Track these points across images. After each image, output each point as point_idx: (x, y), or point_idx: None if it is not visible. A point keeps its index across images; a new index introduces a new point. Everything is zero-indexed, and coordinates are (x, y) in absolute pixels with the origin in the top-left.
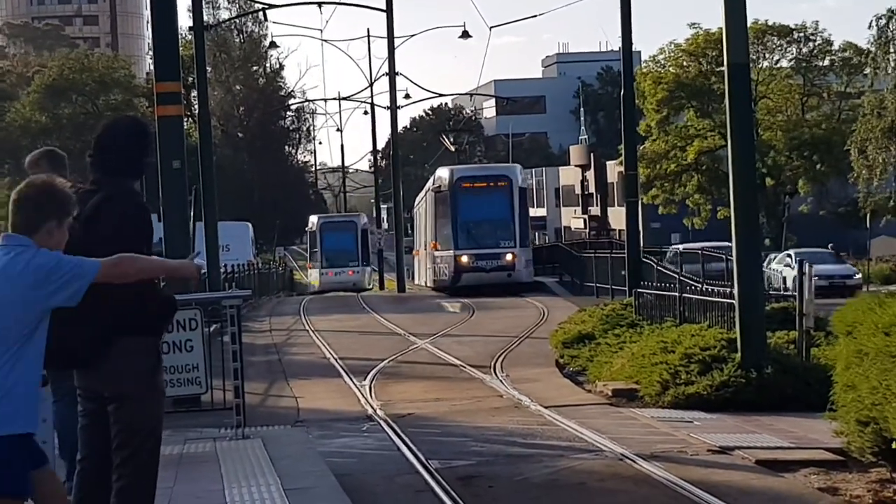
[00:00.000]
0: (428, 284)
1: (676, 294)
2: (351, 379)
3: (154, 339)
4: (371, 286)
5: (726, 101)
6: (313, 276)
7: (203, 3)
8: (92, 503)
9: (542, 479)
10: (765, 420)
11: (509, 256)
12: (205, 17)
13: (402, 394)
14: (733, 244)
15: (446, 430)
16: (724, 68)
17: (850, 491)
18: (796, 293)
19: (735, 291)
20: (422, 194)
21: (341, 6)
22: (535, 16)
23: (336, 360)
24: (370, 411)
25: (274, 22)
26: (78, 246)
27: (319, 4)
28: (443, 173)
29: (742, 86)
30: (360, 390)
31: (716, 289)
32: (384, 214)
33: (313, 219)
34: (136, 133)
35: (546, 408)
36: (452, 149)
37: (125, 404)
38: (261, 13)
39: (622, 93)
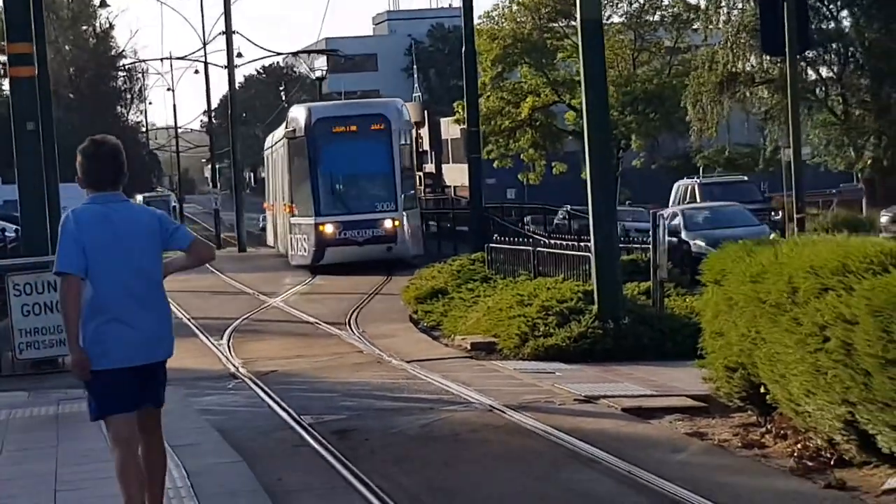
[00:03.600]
0: (283, 255)
1: (530, 248)
2: (207, 338)
3: None
4: None
5: (580, 57)
6: None
7: None
8: None
9: (416, 431)
10: (623, 369)
11: (389, 223)
12: None
13: (261, 351)
14: (589, 198)
15: (312, 386)
16: (577, 24)
17: (717, 435)
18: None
19: (591, 244)
20: (277, 135)
21: None
22: None
23: (189, 319)
24: (233, 369)
25: None
26: None
27: None
28: (298, 113)
29: (595, 42)
30: (218, 349)
31: (569, 242)
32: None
33: (138, 196)
34: None
35: (408, 362)
36: (319, 74)
37: None
38: None
39: (463, 49)
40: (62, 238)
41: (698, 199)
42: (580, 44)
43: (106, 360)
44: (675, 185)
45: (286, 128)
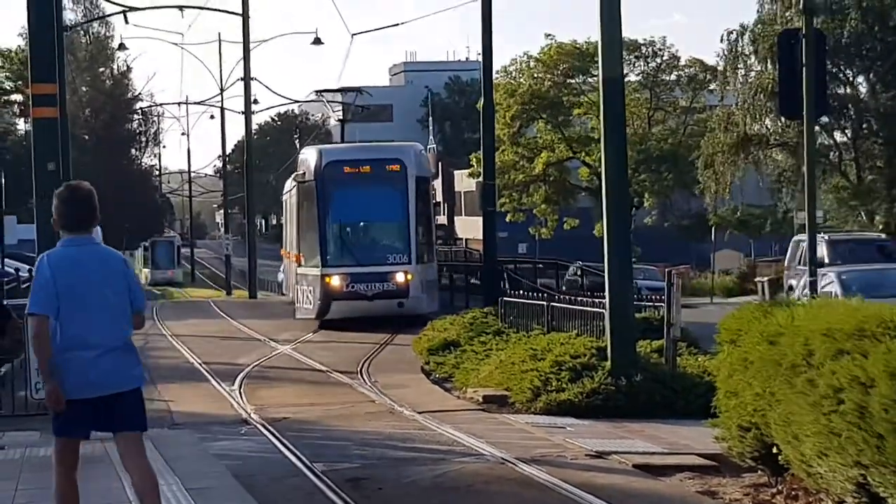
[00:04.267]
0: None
1: (544, 303)
2: (219, 383)
3: None
4: (181, 280)
5: (600, 114)
6: (145, 273)
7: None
8: None
9: (429, 481)
10: (635, 426)
11: (401, 277)
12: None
13: (273, 398)
14: (605, 255)
15: (325, 434)
16: (599, 82)
17: (728, 494)
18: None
19: (606, 301)
20: (290, 181)
21: (198, 10)
22: (397, 24)
23: (200, 364)
24: (245, 415)
25: (135, 25)
26: None
27: (181, 8)
28: (308, 155)
29: (616, 100)
30: (230, 394)
31: (584, 298)
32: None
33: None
34: None
35: (420, 413)
36: (340, 116)
37: None
38: (122, 16)
39: (482, 103)
40: (36, 280)
41: (826, 259)
42: (601, 102)
43: (63, 391)
44: (794, 241)
45: (297, 171)
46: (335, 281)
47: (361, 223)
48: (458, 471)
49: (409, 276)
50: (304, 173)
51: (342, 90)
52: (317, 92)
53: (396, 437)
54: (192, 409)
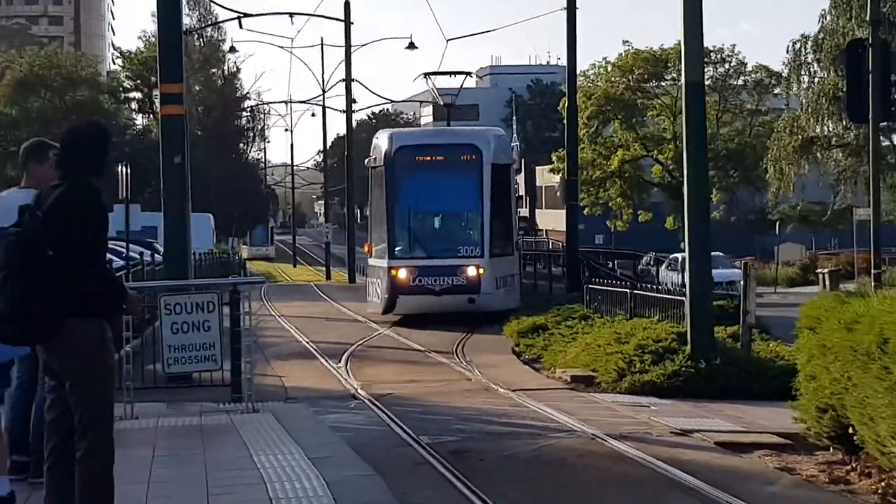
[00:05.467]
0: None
1: (627, 291)
2: (326, 361)
3: (101, 321)
4: (273, 255)
5: (683, 117)
6: (244, 249)
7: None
8: (58, 478)
9: (527, 455)
10: (713, 406)
11: (472, 271)
12: None
13: (377, 375)
14: (686, 246)
15: (427, 409)
16: (683, 87)
17: (804, 471)
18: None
19: (686, 290)
20: None
21: (305, 16)
22: (488, 31)
23: (308, 343)
24: (352, 391)
25: (247, 30)
26: (39, 234)
27: (291, 15)
28: (380, 140)
29: (697, 103)
30: (337, 371)
31: (665, 286)
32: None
33: None
34: (97, 136)
35: (513, 391)
36: (440, 102)
37: (74, 382)
38: (236, 21)
39: (566, 104)
40: None
41: None
42: (684, 103)
43: None
44: None
45: (369, 156)
46: (402, 274)
47: (432, 213)
48: (553, 445)
49: (481, 271)
50: (375, 158)
51: (451, 73)
52: (425, 75)
53: (493, 412)
54: (303, 385)
